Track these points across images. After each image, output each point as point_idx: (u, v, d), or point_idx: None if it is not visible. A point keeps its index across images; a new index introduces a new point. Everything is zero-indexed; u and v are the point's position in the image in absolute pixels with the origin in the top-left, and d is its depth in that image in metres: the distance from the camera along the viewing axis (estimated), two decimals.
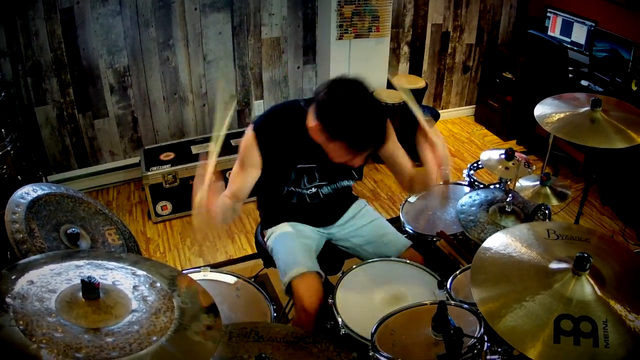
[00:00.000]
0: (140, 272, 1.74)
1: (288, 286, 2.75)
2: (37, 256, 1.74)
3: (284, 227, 2.96)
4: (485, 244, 1.98)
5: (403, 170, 2.85)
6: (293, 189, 2.78)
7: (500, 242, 1.98)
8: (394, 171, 2.92)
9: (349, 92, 2.35)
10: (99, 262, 1.75)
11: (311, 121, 2.44)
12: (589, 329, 1.61)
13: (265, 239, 3.06)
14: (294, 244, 2.87)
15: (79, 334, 1.42)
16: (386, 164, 2.92)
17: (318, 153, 2.53)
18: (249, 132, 2.62)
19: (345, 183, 2.90)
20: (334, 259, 3.12)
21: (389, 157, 2.84)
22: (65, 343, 1.37)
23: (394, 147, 2.82)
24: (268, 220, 3.03)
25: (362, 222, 3.08)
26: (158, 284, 1.68)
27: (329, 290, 2.70)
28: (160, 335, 1.48)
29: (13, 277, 1.56)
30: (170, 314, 1.57)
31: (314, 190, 2.81)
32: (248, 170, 2.67)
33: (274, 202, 2.94)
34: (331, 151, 2.46)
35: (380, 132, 2.43)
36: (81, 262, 1.72)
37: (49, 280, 1.57)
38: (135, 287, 1.65)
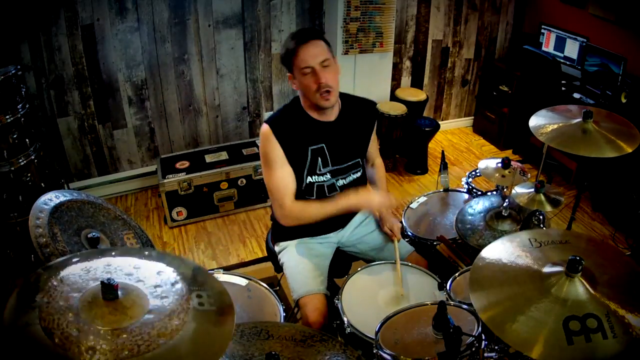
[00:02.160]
0: (164, 271, 1.72)
1: (296, 302, 2.82)
2: (69, 255, 1.74)
3: (297, 247, 2.99)
4: (482, 254, 1.97)
5: (369, 158, 3.20)
6: (311, 179, 2.81)
7: (496, 250, 1.97)
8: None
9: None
10: (129, 258, 1.74)
11: (292, 85, 2.81)
12: (595, 325, 1.60)
13: (276, 249, 3.09)
14: (304, 264, 2.91)
15: (94, 334, 1.41)
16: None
17: (323, 132, 2.80)
18: (264, 128, 2.73)
19: (356, 175, 2.95)
20: (342, 263, 3.14)
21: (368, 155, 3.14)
22: (80, 342, 1.37)
23: (372, 138, 3.10)
24: (281, 233, 3.05)
25: (369, 229, 3.12)
26: (179, 285, 1.67)
27: (335, 291, 2.71)
28: (169, 338, 1.47)
29: (46, 276, 1.56)
30: (184, 315, 1.55)
31: (329, 177, 2.85)
32: (284, 164, 2.75)
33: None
34: (300, 84, 2.71)
35: (307, 29, 2.99)
36: (110, 261, 1.70)
37: (77, 280, 1.57)
38: (156, 287, 1.64)
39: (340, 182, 2.90)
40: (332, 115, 2.81)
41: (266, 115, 5.70)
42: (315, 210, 2.79)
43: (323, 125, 2.80)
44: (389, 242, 3.02)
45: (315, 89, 2.63)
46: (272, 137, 2.69)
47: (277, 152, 2.70)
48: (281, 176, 2.74)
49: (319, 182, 2.83)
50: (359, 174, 2.96)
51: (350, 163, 2.90)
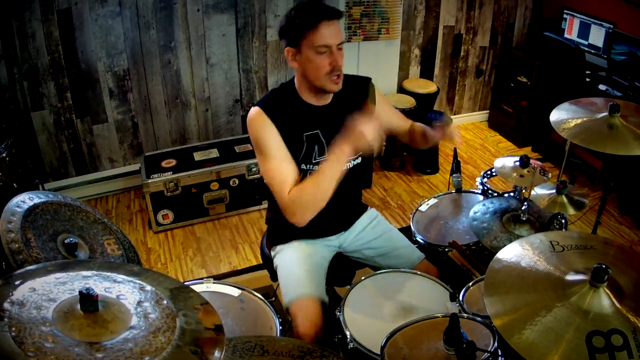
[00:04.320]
0: (148, 287, 1.74)
1: (288, 309, 2.80)
2: (42, 264, 1.75)
3: (293, 248, 2.98)
4: (499, 255, 1.98)
5: (401, 128, 3.14)
6: (305, 167, 2.77)
7: (514, 253, 1.98)
8: (395, 133, 3.16)
9: (295, 5, 2.72)
10: (108, 273, 1.75)
11: (289, 61, 2.72)
12: (620, 342, 1.61)
13: (271, 254, 3.08)
14: (299, 267, 2.89)
15: (69, 346, 1.41)
16: (385, 131, 2.94)
17: (318, 117, 2.78)
18: (255, 111, 2.70)
19: (354, 162, 2.90)
20: (344, 270, 3.13)
21: (385, 122, 2.88)
22: (54, 354, 1.38)
23: (386, 110, 3.07)
24: (277, 236, 3.04)
25: (375, 233, 3.10)
26: (164, 302, 1.68)
27: (336, 302, 2.70)
28: (153, 355, 1.47)
29: (16, 282, 1.56)
30: (169, 334, 1.56)
31: None
32: (281, 148, 2.70)
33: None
34: (307, 62, 2.64)
35: (326, 5, 2.68)
36: (89, 273, 1.72)
37: (52, 289, 1.58)
38: (139, 303, 1.65)
39: None
40: (327, 99, 2.81)
41: None
42: (313, 187, 2.64)
43: (318, 109, 2.79)
44: (397, 248, 3.02)
45: (328, 71, 2.62)
46: (266, 119, 2.66)
47: (272, 136, 2.67)
48: (279, 164, 2.69)
49: (313, 171, 2.78)
50: (359, 160, 2.91)
51: None
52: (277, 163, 2.68)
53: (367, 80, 2.99)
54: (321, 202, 2.61)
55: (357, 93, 2.91)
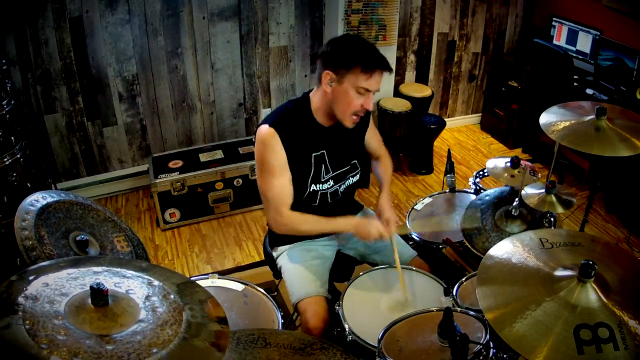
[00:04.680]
0: (156, 282, 1.74)
1: (295, 306, 2.82)
2: (55, 260, 1.74)
3: (296, 249, 2.99)
4: (491, 252, 1.98)
5: (374, 153, 3.22)
6: (314, 187, 2.79)
7: (505, 249, 1.98)
8: (369, 152, 3.21)
9: (348, 35, 2.61)
10: (117, 269, 1.75)
11: (323, 82, 2.64)
12: (606, 335, 1.61)
13: (274, 254, 3.08)
14: (304, 266, 2.90)
15: (80, 339, 1.41)
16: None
17: (324, 137, 2.77)
18: (266, 130, 2.65)
19: (353, 180, 2.95)
20: (344, 267, 3.13)
21: (366, 141, 3.11)
22: (66, 346, 1.38)
23: (371, 133, 3.11)
24: (279, 237, 3.03)
25: None
26: (171, 296, 1.68)
27: (336, 296, 2.71)
28: (161, 347, 1.47)
29: (30, 278, 1.56)
30: (176, 327, 1.56)
31: (332, 184, 2.84)
32: (285, 172, 2.71)
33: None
34: (342, 94, 2.61)
35: (383, 56, 2.63)
36: (99, 269, 1.72)
37: (64, 284, 1.58)
38: (147, 297, 1.65)
39: (342, 187, 2.90)
40: (333, 121, 2.79)
41: (264, 112, 5.70)
42: (313, 225, 2.78)
43: (325, 130, 2.77)
44: (390, 245, 3.02)
45: (354, 111, 2.63)
46: (276, 140, 2.62)
47: (280, 158, 2.65)
48: (282, 184, 2.70)
49: (322, 190, 2.82)
50: (357, 178, 2.96)
51: (348, 167, 2.89)
52: (281, 183, 2.70)
53: None
54: (305, 234, 2.89)
55: None
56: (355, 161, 2.93)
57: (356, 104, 2.60)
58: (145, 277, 1.76)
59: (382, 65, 2.57)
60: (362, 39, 2.66)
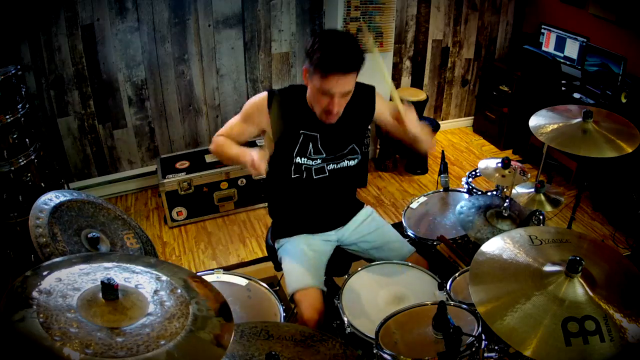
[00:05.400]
0: (164, 277, 1.74)
1: (291, 297, 2.80)
2: (67, 256, 1.75)
3: (295, 241, 2.98)
4: (483, 248, 1.98)
5: (391, 123, 2.85)
6: (300, 160, 2.77)
7: (497, 246, 1.98)
8: (397, 133, 2.84)
9: (326, 29, 2.55)
10: (127, 265, 1.75)
11: (304, 76, 2.63)
12: (593, 327, 1.62)
13: (275, 245, 3.08)
14: (301, 259, 2.89)
15: (92, 331, 1.42)
16: (390, 132, 2.96)
17: (319, 124, 2.71)
18: (262, 95, 2.72)
19: (350, 163, 2.88)
20: (342, 262, 3.13)
21: (389, 124, 2.91)
22: (78, 338, 1.38)
23: (384, 109, 2.93)
24: (280, 230, 3.04)
25: (370, 228, 3.09)
26: (179, 290, 1.68)
27: (335, 291, 2.71)
28: (169, 339, 1.47)
29: (44, 273, 1.57)
30: (183, 320, 1.56)
31: (319, 162, 2.79)
32: (248, 126, 2.78)
33: (283, 198, 2.98)
34: (312, 91, 2.60)
35: (348, 55, 2.48)
36: (110, 264, 1.72)
37: (76, 279, 1.58)
38: (156, 292, 1.65)
39: (331, 166, 2.83)
40: None
41: None
42: (224, 145, 2.75)
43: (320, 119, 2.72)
44: (390, 242, 3.02)
45: (322, 110, 2.60)
46: (263, 105, 2.70)
47: (255, 118, 2.74)
48: (236, 124, 2.81)
49: (307, 164, 2.78)
50: (354, 162, 2.89)
51: (344, 151, 2.84)
52: (237, 123, 2.80)
53: (371, 90, 2.92)
54: (218, 154, 2.80)
55: (360, 100, 2.82)
56: (354, 145, 2.86)
57: (321, 103, 2.57)
58: (154, 272, 1.76)
59: (339, 67, 2.45)
60: (339, 36, 2.57)
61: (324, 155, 2.79)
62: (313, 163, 2.79)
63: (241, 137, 2.79)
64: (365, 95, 2.88)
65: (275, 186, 2.98)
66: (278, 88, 2.84)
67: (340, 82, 2.49)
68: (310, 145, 2.76)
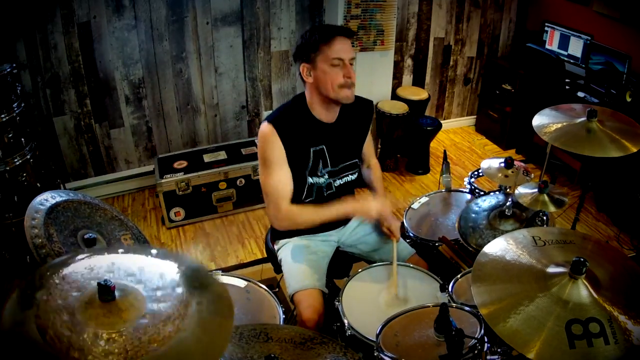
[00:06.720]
0: (166, 273, 1.71)
1: (291, 298, 2.82)
2: (74, 253, 1.73)
3: (295, 243, 2.99)
4: (485, 250, 1.98)
5: (366, 160, 3.21)
6: (311, 180, 2.81)
7: (499, 247, 1.98)
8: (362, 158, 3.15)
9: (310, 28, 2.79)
10: (135, 256, 1.73)
11: (304, 76, 2.74)
12: (597, 330, 1.61)
13: (275, 247, 3.08)
14: (302, 260, 2.90)
15: (84, 335, 1.41)
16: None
17: (324, 133, 2.80)
18: (265, 127, 2.69)
19: (348, 179, 2.97)
20: (342, 264, 3.14)
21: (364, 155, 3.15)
22: (70, 342, 1.37)
23: (368, 139, 3.12)
24: (281, 231, 3.04)
25: (368, 229, 3.11)
26: (180, 289, 1.66)
27: (335, 293, 2.71)
28: (160, 345, 1.46)
29: (49, 273, 1.56)
30: (179, 322, 1.54)
31: (327, 177, 2.86)
32: (283, 165, 2.73)
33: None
34: (322, 75, 2.67)
35: (340, 25, 2.78)
36: (115, 259, 1.70)
37: (79, 278, 1.57)
38: (156, 289, 1.64)
39: (337, 182, 2.92)
40: (333, 116, 2.82)
41: (265, 114, 5.69)
42: (312, 214, 2.78)
43: (325, 126, 2.80)
44: (389, 243, 3.02)
45: (342, 83, 2.65)
46: (275, 136, 2.66)
47: (277, 152, 2.68)
48: (279, 178, 2.72)
49: (318, 183, 2.84)
50: (355, 176, 2.99)
51: (347, 164, 2.92)
52: (279, 177, 2.72)
53: (369, 104, 3.06)
54: (306, 227, 2.83)
55: (359, 113, 2.96)
56: (356, 160, 2.96)
57: (338, 77, 2.65)
58: (163, 262, 1.74)
59: (338, 31, 2.65)
60: (319, 24, 2.76)
61: (330, 168, 2.85)
62: (323, 181, 2.85)
63: (291, 183, 2.78)
64: (363, 108, 3.02)
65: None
66: (269, 113, 2.93)
67: (344, 45, 2.65)
68: (320, 162, 2.81)
